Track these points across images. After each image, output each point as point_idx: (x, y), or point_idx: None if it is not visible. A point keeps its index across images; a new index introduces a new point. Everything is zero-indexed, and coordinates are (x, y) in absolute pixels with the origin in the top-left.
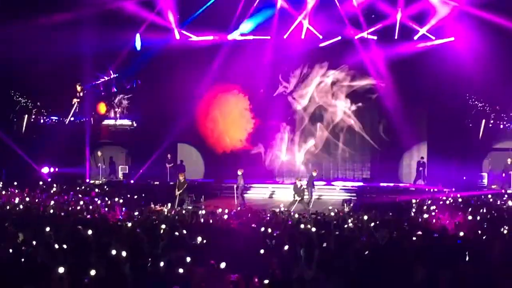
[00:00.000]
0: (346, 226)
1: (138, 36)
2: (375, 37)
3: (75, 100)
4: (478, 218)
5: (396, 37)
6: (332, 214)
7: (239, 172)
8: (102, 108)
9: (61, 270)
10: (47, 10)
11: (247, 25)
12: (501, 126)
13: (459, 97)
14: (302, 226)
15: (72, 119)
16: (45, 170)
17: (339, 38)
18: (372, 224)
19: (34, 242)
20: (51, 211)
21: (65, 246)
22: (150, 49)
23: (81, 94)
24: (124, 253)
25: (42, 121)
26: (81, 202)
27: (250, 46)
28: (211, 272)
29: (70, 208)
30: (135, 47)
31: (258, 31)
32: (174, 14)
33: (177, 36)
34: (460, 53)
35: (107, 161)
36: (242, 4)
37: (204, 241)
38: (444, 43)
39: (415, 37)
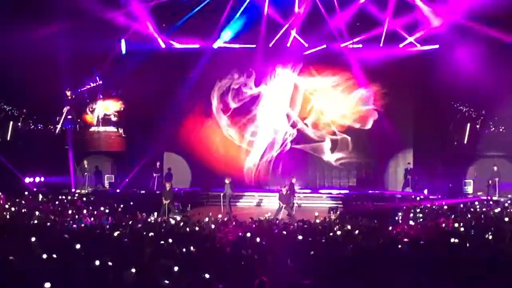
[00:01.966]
0: (332, 233)
1: (123, 42)
2: (360, 45)
3: (66, 108)
4: (462, 224)
5: (381, 45)
6: (318, 221)
7: (227, 181)
8: (88, 116)
9: (47, 285)
10: (31, 17)
11: (228, 33)
12: (486, 131)
13: (444, 103)
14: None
15: (58, 126)
16: (28, 179)
17: (324, 46)
18: (358, 231)
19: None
20: (36, 221)
21: (51, 255)
22: (136, 55)
23: (71, 98)
24: (110, 263)
25: (27, 128)
26: (69, 211)
27: (235, 54)
28: (198, 282)
29: (55, 218)
30: (120, 53)
31: (242, 39)
32: (154, 25)
33: (162, 45)
34: (445, 58)
35: (92, 170)
36: (227, 12)
37: (191, 250)
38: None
39: (401, 45)
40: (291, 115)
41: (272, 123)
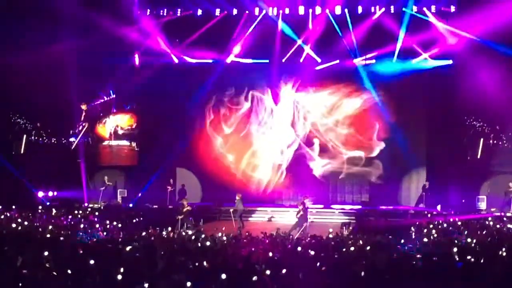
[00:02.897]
0: (345, 249)
1: (136, 56)
2: (373, 61)
3: (84, 124)
4: (475, 241)
5: (394, 61)
6: (331, 237)
7: (238, 197)
8: (101, 129)
9: None
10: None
11: (239, 48)
12: (500, 147)
13: (458, 118)
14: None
15: (74, 142)
16: (40, 194)
17: (337, 61)
18: (370, 247)
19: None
20: (48, 235)
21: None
22: (149, 69)
23: (86, 113)
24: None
25: (40, 142)
26: (81, 225)
27: (247, 69)
28: None
29: (68, 232)
30: (134, 67)
31: (254, 54)
32: (166, 40)
33: (175, 60)
34: (458, 74)
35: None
36: (240, 27)
37: (204, 264)
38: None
39: (413, 61)
40: (301, 131)
41: (283, 138)
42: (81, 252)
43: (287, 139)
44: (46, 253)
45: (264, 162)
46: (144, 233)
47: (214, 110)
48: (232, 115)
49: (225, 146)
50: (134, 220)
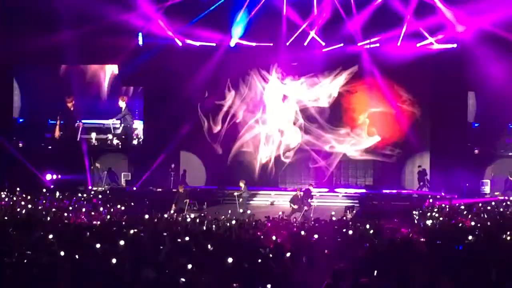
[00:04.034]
0: (348, 232)
1: (140, 35)
2: (377, 45)
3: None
4: (479, 224)
5: (399, 44)
6: (334, 219)
7: (242, 184)
8: None
9: None
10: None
11: (239, 29)
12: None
13: (462, 102)
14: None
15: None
16: (48, 177)
17: (342, 45)
18: (374, 231)
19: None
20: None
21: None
22: (153, 50)
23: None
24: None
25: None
26: (83, 209)
27: (252, 51)
28: (214, 280)
29: (72, 214)
30: (138, 45)
31: (257, 37)
32: (169, 23)
33: (179, 43)
34: (464, 58)
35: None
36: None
37: (208, 248)
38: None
39: (418, 44)
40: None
41: (287, 121)
42: (85, 235)
43: (291, 122)
44: (50, 236)
45: (268, 145)
46: (147, 216)
47: (218, 93)
48: (236, 99)
49: (229, 128)
50: (138, 203)
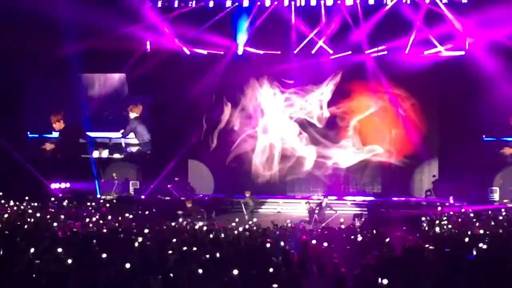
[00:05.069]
0: (357, 240)
1: (148, 43)
2: (385, 53)
3: None
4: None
5: (407, 52)
6: (343, 227)
7: (247, 194)
8: None
9: None
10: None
11: (244, 37)
12: None
13: (470, 109)
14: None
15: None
16: (55, 185)
17: (350, 52)
18: (383, 238)
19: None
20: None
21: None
22: (160, 56)
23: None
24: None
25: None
26: (93, 218)
27: (258, 59)
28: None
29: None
30: (146, 52)
31: (266, 45)
32: (176, 33)
33: (187, 52)
34: (472, 66)
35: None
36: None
37: (216, 255)
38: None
39: (426, 52)
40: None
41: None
42: (93, 243)
43: (299, 129)
44: (58, 245)
45: (276, 153)
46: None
47: (225, 102)
48: (243, 108)
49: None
50: (146, 212)
